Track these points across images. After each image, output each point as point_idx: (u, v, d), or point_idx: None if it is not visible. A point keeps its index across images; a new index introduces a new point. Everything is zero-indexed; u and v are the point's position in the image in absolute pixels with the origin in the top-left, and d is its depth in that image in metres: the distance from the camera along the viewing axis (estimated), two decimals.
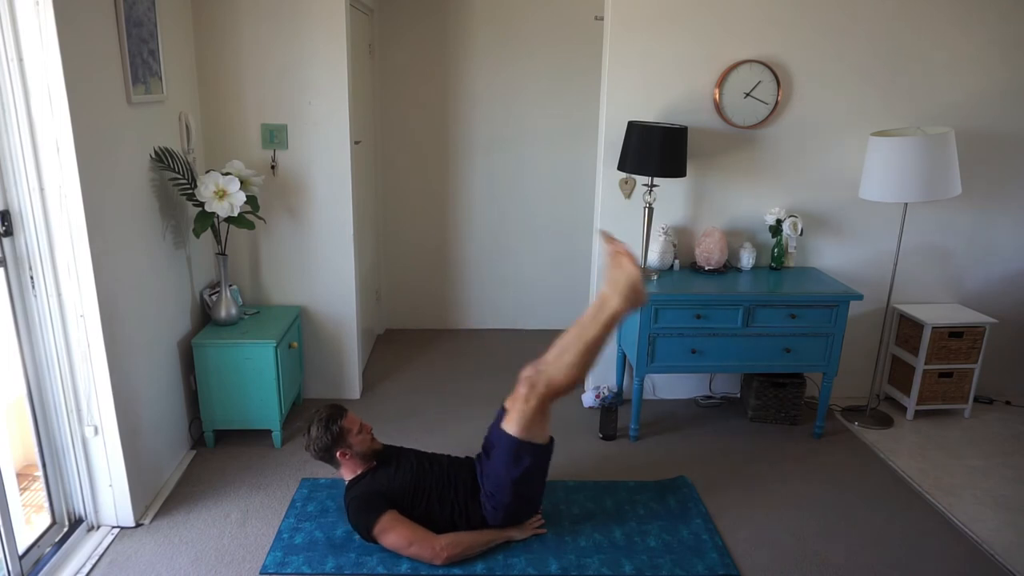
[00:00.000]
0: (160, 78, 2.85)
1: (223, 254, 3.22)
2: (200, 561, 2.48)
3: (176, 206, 3.07)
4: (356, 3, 3.64)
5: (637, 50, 3.37)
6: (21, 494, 2.64)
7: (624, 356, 3.71)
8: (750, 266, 3.56)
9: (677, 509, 2.83)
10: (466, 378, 4.08)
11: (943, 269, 3.76)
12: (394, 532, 2.44)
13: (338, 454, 2.58)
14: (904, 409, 3.71)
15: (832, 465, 3.21)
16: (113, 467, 2.59)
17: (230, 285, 3.30)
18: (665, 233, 3.50)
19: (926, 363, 3.55)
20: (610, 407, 3.39)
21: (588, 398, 3.74)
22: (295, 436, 3.34)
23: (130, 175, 2.67)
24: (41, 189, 2.29)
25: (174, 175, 2.95)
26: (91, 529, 2.63)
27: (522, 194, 4.62)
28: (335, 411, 2.61)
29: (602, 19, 3.54)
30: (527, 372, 2.48)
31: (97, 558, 2.48)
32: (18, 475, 2.66)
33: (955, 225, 3.69)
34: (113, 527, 2.64)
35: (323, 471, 3.03)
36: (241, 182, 3.02)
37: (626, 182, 3.56)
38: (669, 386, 3.85)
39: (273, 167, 3.41)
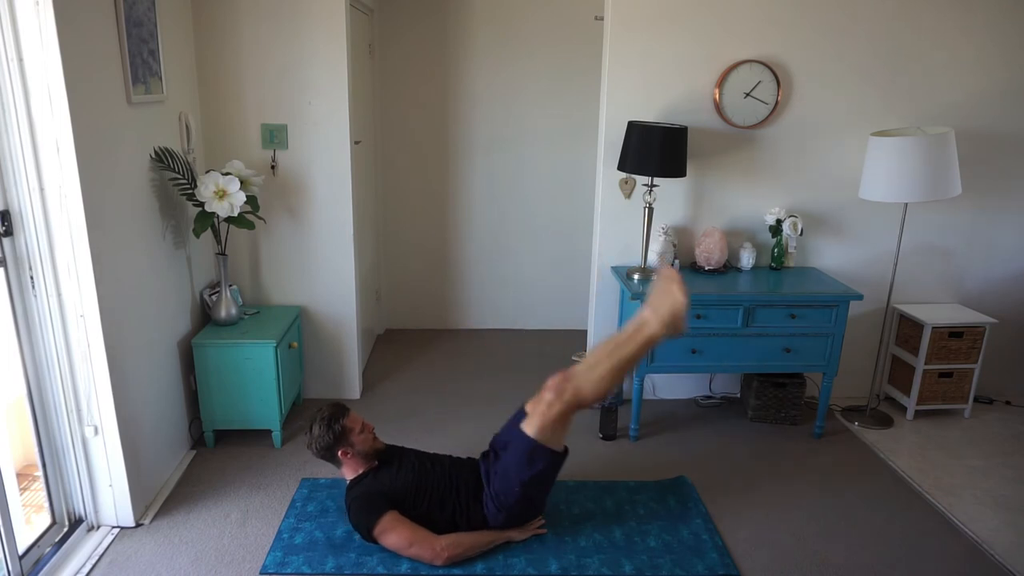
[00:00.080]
0: (160, 78, 2.85)
1: (223, 254, 3.22)
2: (200, 561, 2.48)
3: (176, 206, 3.07)
4: (356, 3, 3.64)
5: (637, 50, 3.37)
6: (21, 494, 2.63)
7: None
8: (750, 266, 3.56)
9: (677, 509, 2.83)
10: (466, 378, 4.08)
11: (943, 269, 3.76)
12: (395, 533, 2.44)
13: (340, 453, 2.58)
14: (904, 409, 3.71)
15: (832, 465, 3.21)
16: (113, 467, 2.59)
17: (230, 285, 3.30)
18: (665, 233, 3.51)
19: (926, 363, 3.55)
20: (610, 407, 3.39)
21: None
22: (295, 436, 3.34)
23: (130, 175, 2.67)
24: (41, 189, 2.29)
25: (174, 175, 2.95)
26: (91, 529, 2.63)
27: (522, 194, 4.62)
28: (337, 410, 2.62)
29: (602, 19, 3.54)
30: (555, 380, 2.49)
31: (97, 558, 2.48)
32: (18, 475, 2.66)
33: (955, 225, 3.69)
34: (113, 527, 2.64)
35: (323, 471, 3.03)
36: (241, 182, 3.03)
37: (626, 182, 3.56)
38: (669, 386, 3.85)
39: (273, 167, 3.41)
